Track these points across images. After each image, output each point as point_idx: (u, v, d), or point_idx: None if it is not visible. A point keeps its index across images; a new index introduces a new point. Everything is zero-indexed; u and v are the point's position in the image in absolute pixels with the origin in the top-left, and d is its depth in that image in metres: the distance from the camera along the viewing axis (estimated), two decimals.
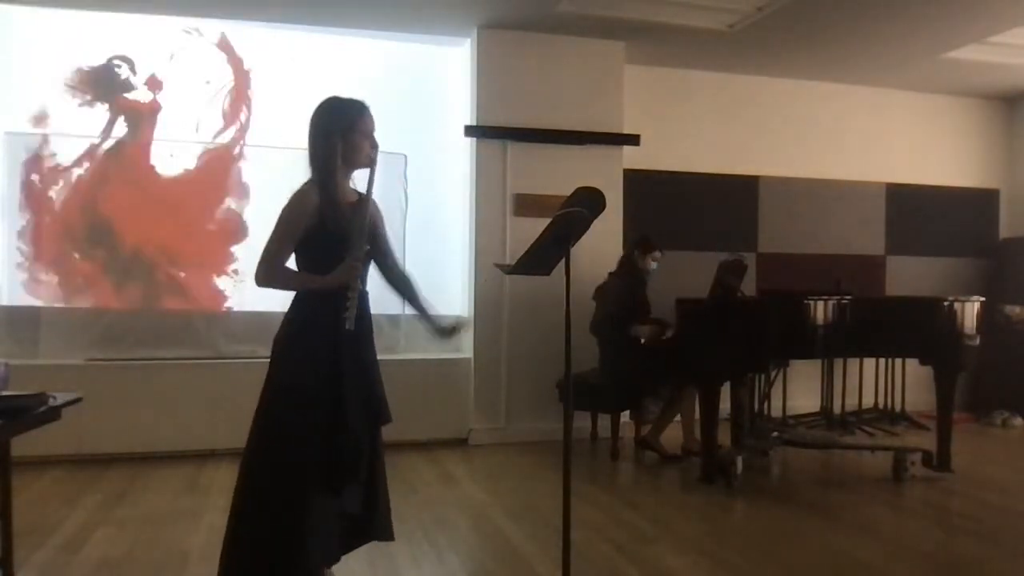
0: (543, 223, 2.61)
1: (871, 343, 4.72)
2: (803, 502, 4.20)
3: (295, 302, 2.51)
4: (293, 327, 2.48)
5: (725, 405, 4.68)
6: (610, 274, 5.30)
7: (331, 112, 2.51)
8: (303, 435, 2.39)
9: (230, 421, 4.97)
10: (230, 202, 5.48)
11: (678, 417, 5.18)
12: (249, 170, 5.49)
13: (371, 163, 2.52)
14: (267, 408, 2.45)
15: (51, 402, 2.66)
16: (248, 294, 5.27)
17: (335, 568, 2.60)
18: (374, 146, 2.54)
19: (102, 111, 5.30)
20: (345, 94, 2.57)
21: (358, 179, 2.62)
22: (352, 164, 2.52)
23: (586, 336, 5.12)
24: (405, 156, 5.67)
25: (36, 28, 5.22)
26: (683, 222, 6.40)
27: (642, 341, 4.95)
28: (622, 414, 5.29)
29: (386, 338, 5.30)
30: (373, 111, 2.59)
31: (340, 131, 2.47)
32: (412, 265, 5.45)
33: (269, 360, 2.49)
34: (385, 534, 2.62)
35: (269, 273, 2.44)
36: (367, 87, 5.78)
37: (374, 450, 2.56)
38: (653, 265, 5.22)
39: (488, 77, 5.64)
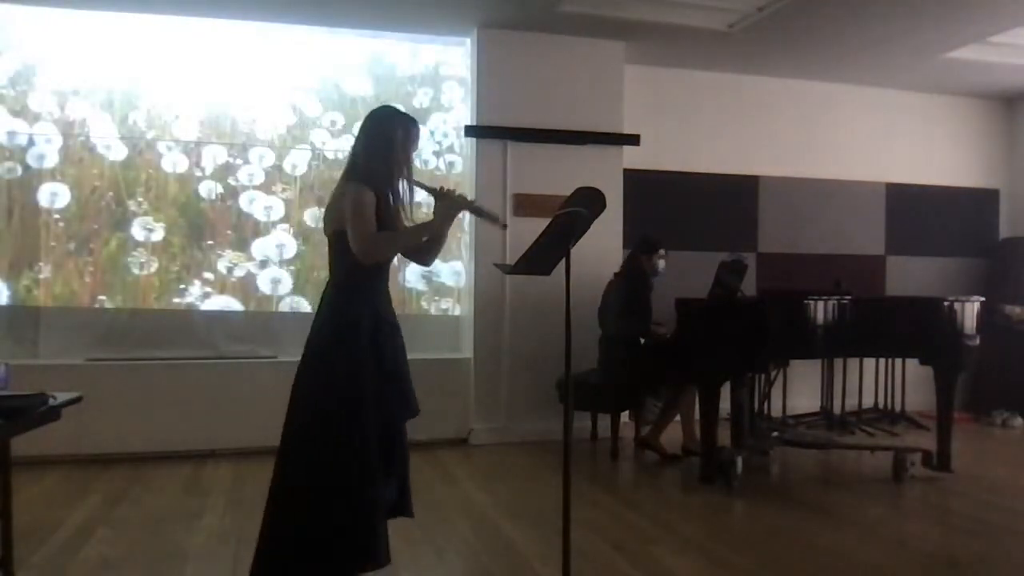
0: (543, 223, 2.61)
1: (871, 343, 4.71)
2: (803, 502, 4.20)
3: (336, 305, 2.53)
4: (343, 330, 2.49)
5: (725, 405, 4.68)
6: (615, 275, 5.30)
7: (398, 121, 2.62)
8: (366, 428, 2.45)
9: (230, 421, 5.03)
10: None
11: (678, 417, 5.18)
12: (251, 168, 5.49)
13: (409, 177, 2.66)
14: (328, 403, 2.46)
15: (51, 402, 2.66)
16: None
17: None
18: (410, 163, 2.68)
19: (101, 111, 5.30)
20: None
21: None
22: (401, 174, 2.62)
23: (586, 336, 5.11)
24: None
25: (36, 28, 5.22)
26: (683, 222, 6.38)
27: (642, 341, 4.95)
28: (622, 414, 5.29)
29: None
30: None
31: (401, 140, 2.60)
32: (412, 265, 5.59)
33: (311, 357, 2.52)
34: (409, 511, 2.70)
35: (374, 246, 2.47)
36: (367, 87, 5.87)
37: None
38: (662, 264, 5.20)
39: (488, 77, 5.64)
